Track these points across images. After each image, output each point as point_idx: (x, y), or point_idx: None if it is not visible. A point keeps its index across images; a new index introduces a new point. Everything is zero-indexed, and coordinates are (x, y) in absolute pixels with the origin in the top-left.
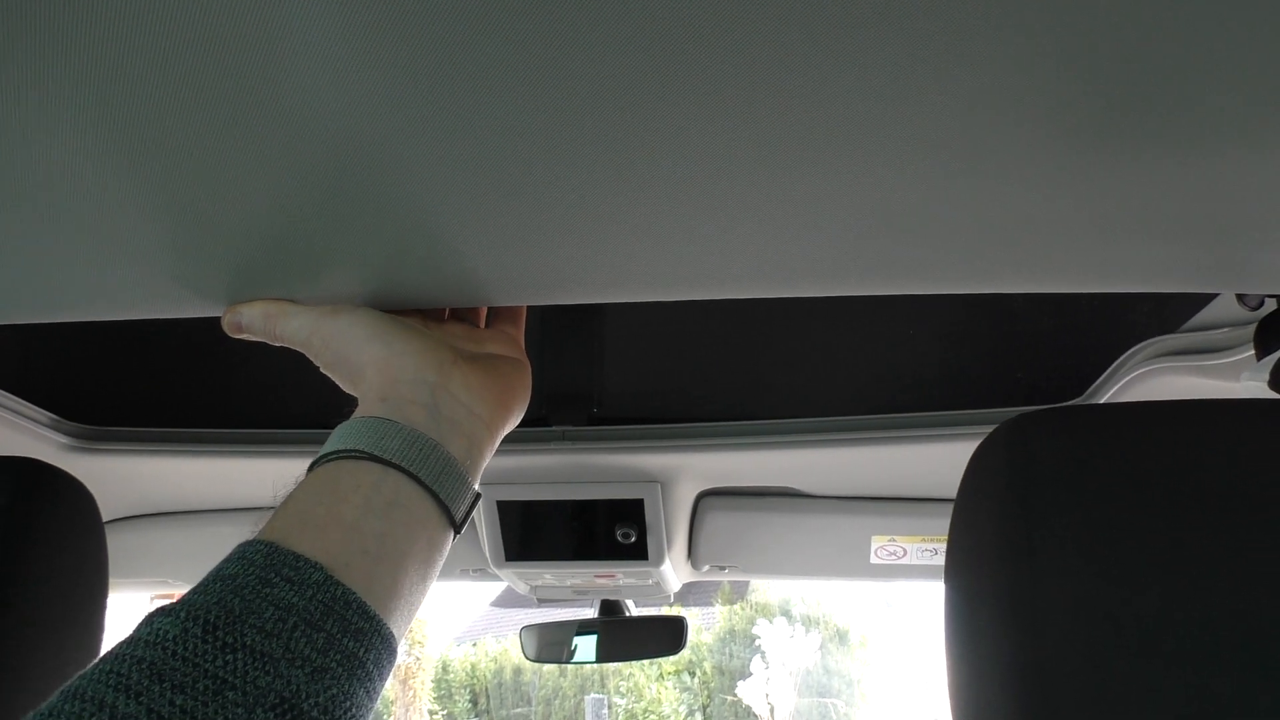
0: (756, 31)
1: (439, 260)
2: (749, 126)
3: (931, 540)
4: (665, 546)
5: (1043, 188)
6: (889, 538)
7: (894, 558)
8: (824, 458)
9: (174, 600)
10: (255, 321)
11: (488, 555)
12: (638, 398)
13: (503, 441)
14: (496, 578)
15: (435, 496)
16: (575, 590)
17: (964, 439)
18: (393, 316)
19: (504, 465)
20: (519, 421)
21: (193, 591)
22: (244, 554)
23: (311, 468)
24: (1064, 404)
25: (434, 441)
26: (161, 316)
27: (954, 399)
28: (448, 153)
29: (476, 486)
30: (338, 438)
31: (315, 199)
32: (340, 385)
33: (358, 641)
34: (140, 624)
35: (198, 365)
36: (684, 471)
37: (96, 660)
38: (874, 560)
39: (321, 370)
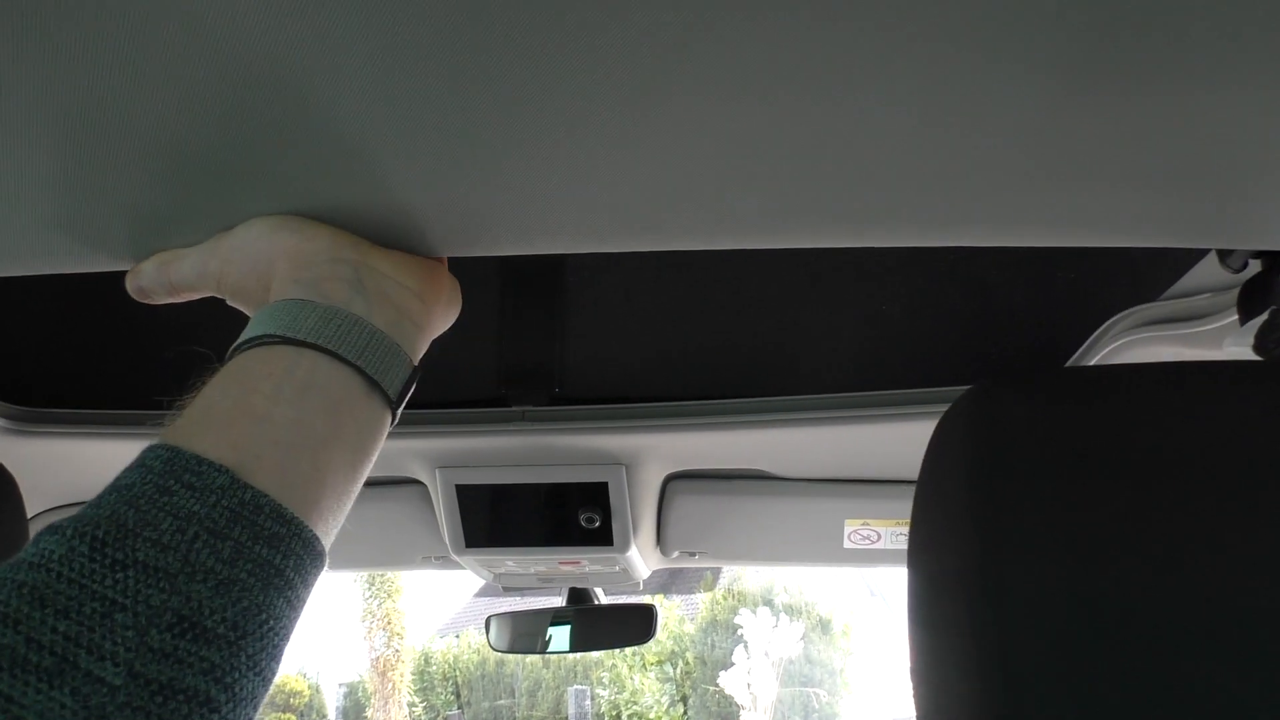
0: None
1: (364, 204)
2: (691, 62)
3: (905, 524)
4: (631, 531)
5: (1016, 131)
6: (862, 521)
7: (868, 542)
8: (794, 438)
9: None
10: (151, 276)
11: (447, 542)
12: (601, 377)
13: (460, 421)
14: (459, 566)
15: (362, 374)
16: (540, 578)
17: (937, 417)
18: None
19: (462, 446)
20: (454, 317)
21: (86, 506)
22: (143, 461)
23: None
24: (1032, 371)
25: (355, 316)
26: (48, 272)
27: (927, 375)
28: (376, 87)
29: (417, 360)
30: (250, 326)
31: (226, 135)
32: (252, 310)
33: (272, 548)
34: (28, 545)
35: (140, 341)
36: (650, 453)
37: None
38: (848, 545)
39: (231, 302)
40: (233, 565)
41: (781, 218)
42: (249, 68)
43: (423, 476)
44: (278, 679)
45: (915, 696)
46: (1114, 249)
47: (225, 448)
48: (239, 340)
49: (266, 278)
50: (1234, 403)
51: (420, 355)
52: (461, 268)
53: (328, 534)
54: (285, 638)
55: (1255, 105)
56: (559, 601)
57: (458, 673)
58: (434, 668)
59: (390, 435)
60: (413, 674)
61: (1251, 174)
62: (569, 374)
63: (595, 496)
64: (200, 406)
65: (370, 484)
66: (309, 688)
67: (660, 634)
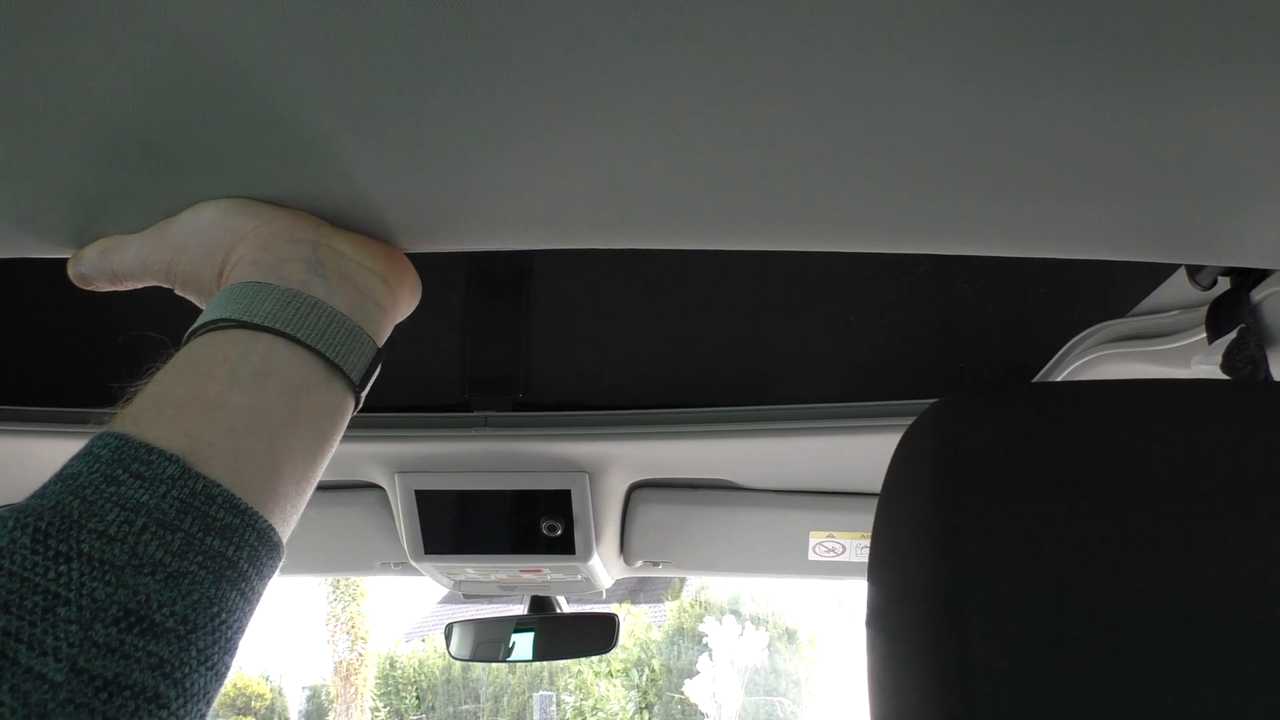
0: None
1: (320, 192)
2: (659, 58)
3: (870, 536)
4: (594, 541)
5: (986, 140)
6: (827, 533)
7: (832, 554)
8: (761, 449)
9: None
10: (93, 263)
11: (406, 548)
12: (566, 383)
13: (420, 426)
14: (419, 572)
15: (322, 357)
16: (502, 586)
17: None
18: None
19: (422, 451)
20: (416, 302)
21: (30, 496)
22: (91, 449)
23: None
24: (996, 388)
25: (314, 298)
26: None
27: (895, 389)
28: (331, 74)
29: (381, 342)
30: (206, 311)
31: (172, 119)
32: (203, 300)
33: (225, 540)
34: None
35: (87, 336)
36: (614, 462)
37: None
38: (812, 556)
39: (180, 292)
40: (183, 558)
41: (745, 219)
42: (194, 49)
43: (381, 481)
44: (238, 681)
45: (871, 702)
46: (1084, 264)
47: (177, 435)
48: (194, 325)
49: (220, 264)
50: (1196, 422)
51: (385, 338)
52: (427, 269)
53: (286, 522)
54: (239, 631)
55: (1226, 122)
56: (521, 609)
57: (422, 677)
58: (399, 672)
59: (348, 439)
60: (377, 678)
61: (1221, 190)
62: (533, 380)
63: (558, 504)
64: (151, 393)
65: (328, 488)
66: (271, 690)
67: (626, 641)
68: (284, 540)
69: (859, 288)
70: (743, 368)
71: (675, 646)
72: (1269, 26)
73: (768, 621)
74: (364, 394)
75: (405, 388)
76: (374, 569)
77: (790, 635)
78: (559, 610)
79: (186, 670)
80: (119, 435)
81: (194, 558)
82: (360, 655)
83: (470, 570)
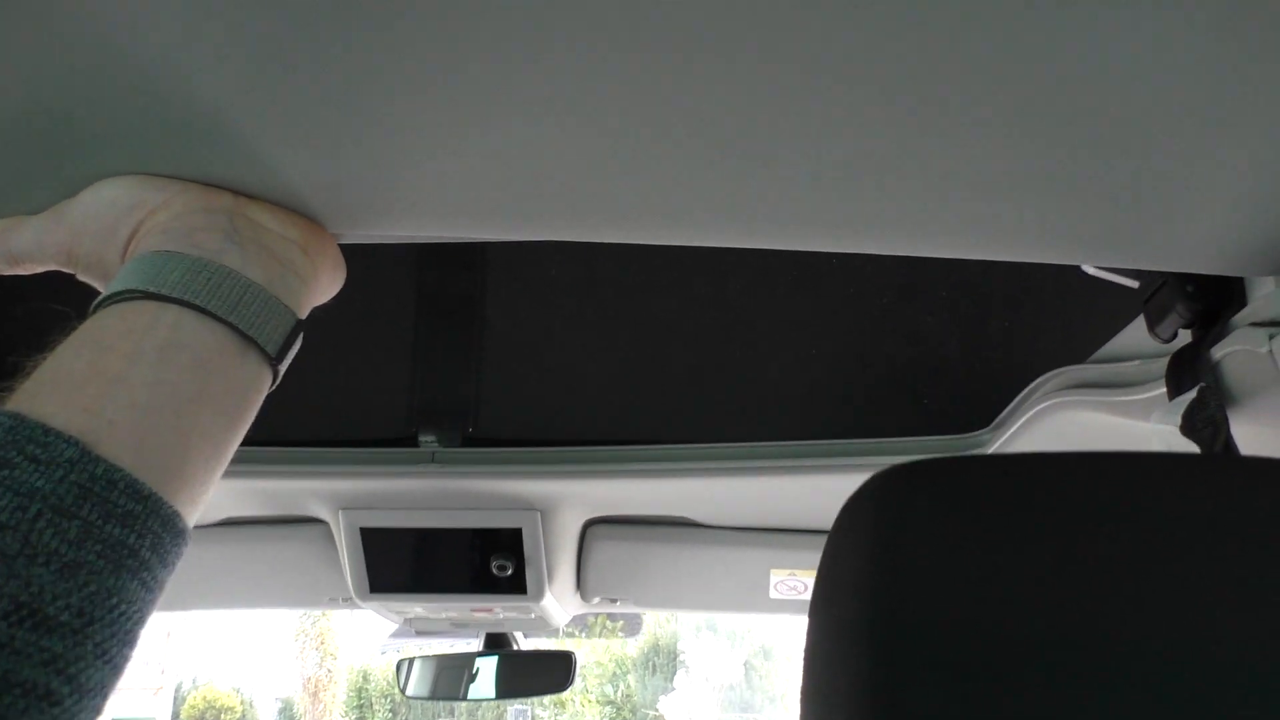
0: None
1: (231, 171)
2: (590, 31)
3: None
4: (546, 580)
5: (931, 137)
6: (789, 571)
7: (795, 592)
8: (720, 487)
9: None
10: None
11: (350, 586)
12: (517, 417)
13: (365, 462)
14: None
15: (235, 329)
16: (453, 623)
17: (866, 470)
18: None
19: (367, 488)
20: (341, 279)
21: None
22: None
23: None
24: (941, 456)
25: (227, 268)
26: None
27: (856, 426)
28: (240, 43)
29: (302, 315)
30: (113, 282)
31: (69, 96)
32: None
33: (126, 528)
34: None
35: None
36: (568, 500)
37: None
38: (774, 594)
39: (82, 277)
40: (80, 547)
41: (666, 210)
42: (89, 23)
43: (325, 517)
44: (208, 693)
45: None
46: (1047, 302)
47: (75, 412)
48: (100, 297)
49: (124, 243)
50: (1139, 497)
51: (307, 311)
52: (373, 295)
53: (194, 504)
54: (140, 623)
55: (1168, 128)
56: (477, 643)
57: (396, 690)
58: (373, 685)
59: (290, 474)
60: (349, 691)
61: (1163, 194)
62: (483, 413)
63: (508, 543)
64: (50, 368)
65: (270, 523)
66: (242, 703)
67: (602, 656)
68: (190, 525)
69: (819, 322)
70: (701, 403)
71: (651, 662)
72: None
73: (744, 638)
74: (282, 368)
75: (350, 419)
76: (321, 603)
77: (767, 653)
78: (516, 646)
79: (81, 666)
80: (13, 414)
81: (92, 547)
82: (329, 672)
83: (419, 609)
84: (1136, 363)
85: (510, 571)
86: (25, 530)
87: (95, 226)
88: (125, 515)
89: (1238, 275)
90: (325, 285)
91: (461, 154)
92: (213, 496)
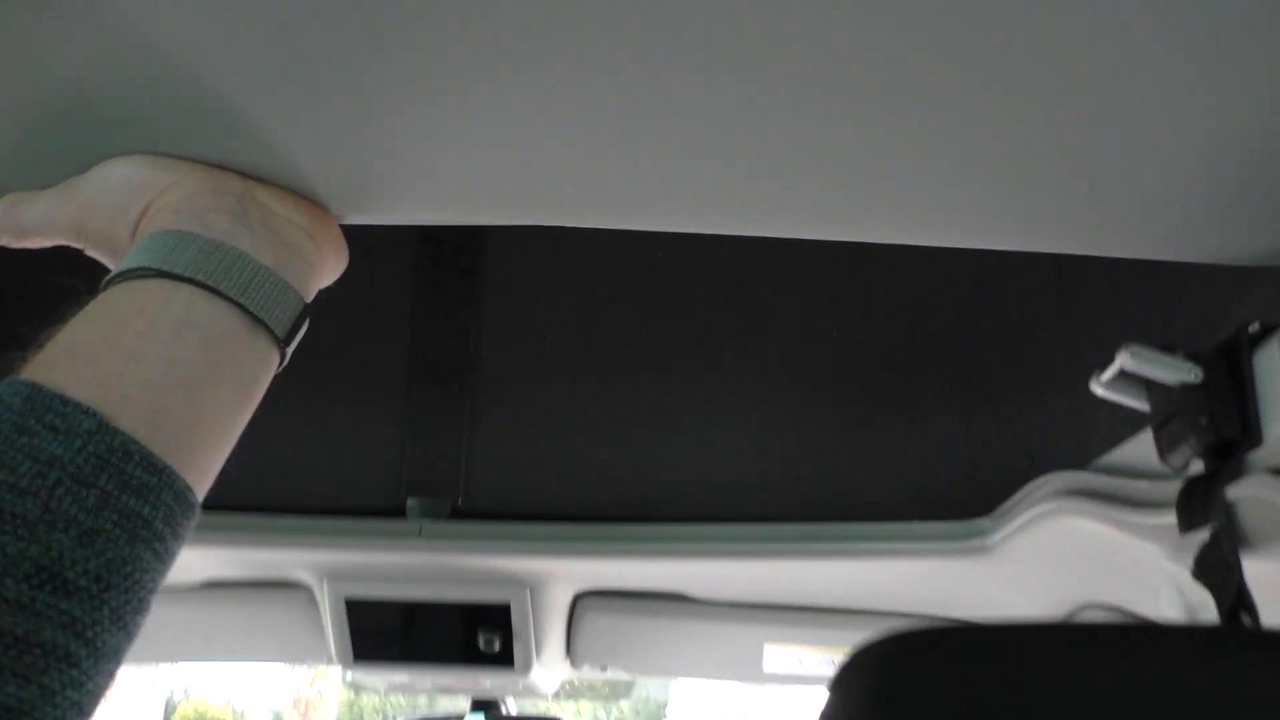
0: None
1: (239, 152)
2: (581, 25)
3: (829, 650)
4: (534, 655)
5: (912, 121)
6: (784, 645)
7: (788, 666)
8: (715, 566)
9: None
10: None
11: (333, 654)
12: (508, 490)
13: (352, 534)
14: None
15: (245, 311)
16: (439, 688)
17: (867, 555)
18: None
19: (353, 559)
20: (343, 265)
21: None
22: (0, 396)
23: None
24: (936, 627)
25: (239, 250)
26: None
27: (857, 507)
28: (250, 30)
29: (308, 300)
30: (126, 259)
31: (81, 76)
32: (116, 262)
33: (140, 499)
34: None
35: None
36: (558, 575)
37: None
38: (768, 668)
39: (91, 253)
40: (97, 515)
41: (672, 198)
42: (104, 6)
43: (310, 584)
44: (199, 704)
45: None
46: (1057, 390)
47: (91, 385)
48: (112, 273)
49: (134, 221)
50: (1146, 677)
51: (312, 295)
52: (364, 364)
53: (204, 478)
54: (152, 591)
55: (1145, 113)
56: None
57: (389, 705)
58: (365, 699)
59: (275, 542)
60: (344, 704)
61: (1141, 180)
62: (473, 484)
63: (496, 618)
64: (65, 340)
65: (253, 585)
66: (234, 715)
67: (595, 681)
68: (200, 499)
69: (820, 397)
70: (696, 481)
71: (644, 689)
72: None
73: (737, 690)
74: (289, 350)
75: (338, 487)
76: (304, 662)
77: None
78: (504, 710)
79: (98, 630)
80: (30, 384)
81: (109, 515)
82: (320, 693)
83: (404, 678)
84: (1147, 483)
85: (498, 646)
86: (45, 497)
87: (105, 203)
88: (140, 486)
89: (1214, 264)
90: (330, 270)
91: (465, 139)
92: (195, 560)
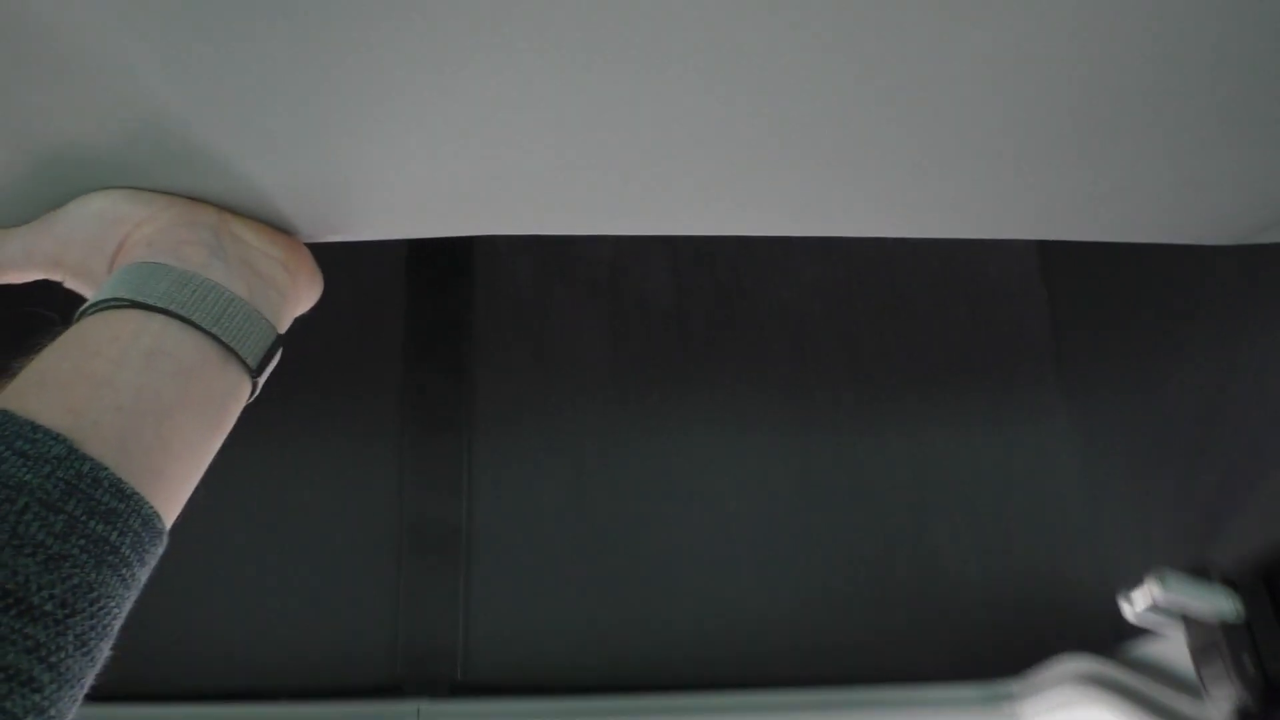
0: None
1: (212, 185)
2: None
3: None
4: None
5: (839, 111)
6: None
7: None
8: None
9: None
10: None
11: None
12: (510, 661)
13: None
14: None
15: (217, 341)
16: None
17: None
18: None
19: None
20: (317, 295)
21: None
22: None
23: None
24: None
25: (212, 281)
26: None
27: (876, 664)
28: (205, 64)
29: (282, 330)
30: (100, 290)
31: (49, 110)
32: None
33: (108, 525)
34: None
35: None
36: None
37: None
38: None
39: (69, 284)
40: (64, 540)
41: (649, 199)
42: (65, 43)
43: None
44: None
45: None
46: (1080, 541)
47: (61, 411)
48: (86, 304)
49: (112, 254)
50: None
51: (286, 326)
52: (356, 526)
53: (172, 505)
54: (117, 618)
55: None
56: None
57: None
58: None
59: None
60: None
61: (1120, 166)
62: (473, 656)
63: None
64: (37, 369)
65: None
66: None
67: None
68: (168, 527)
69: (833, 543)
70: (705, 646)
71: None
72: None
73: None
74: (261, 380)
75: (329, 666)
76: None
77: None
78: None
79: (62, 655)
80: (1, 410)
81: (76, 541)
82: None
83: None
84: (1169, 691)
85: None
86: (13, 522)
87: (82, 237)
88: (108, 512)
89: (1193, 243)
90: (304, 300)
91: (434, 155)
92: None
